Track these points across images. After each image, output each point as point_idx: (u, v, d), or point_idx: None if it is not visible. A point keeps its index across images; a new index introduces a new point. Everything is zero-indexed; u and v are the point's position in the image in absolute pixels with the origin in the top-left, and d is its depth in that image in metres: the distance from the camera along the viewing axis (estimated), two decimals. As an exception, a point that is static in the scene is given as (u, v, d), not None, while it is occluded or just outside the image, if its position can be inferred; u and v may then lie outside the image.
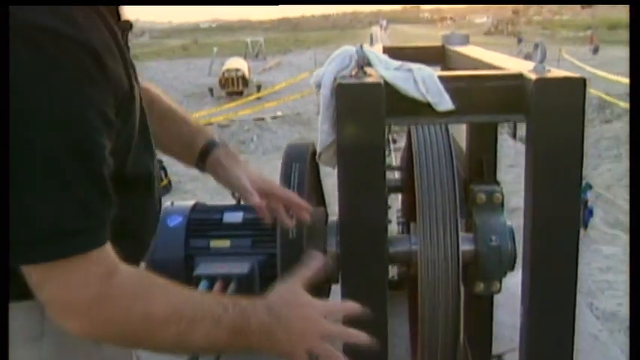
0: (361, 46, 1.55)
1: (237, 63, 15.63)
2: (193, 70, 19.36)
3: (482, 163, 2.47)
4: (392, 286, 2.43)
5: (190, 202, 3.29)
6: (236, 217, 3.15)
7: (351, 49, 1.55)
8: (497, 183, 2.35)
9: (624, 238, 4.80)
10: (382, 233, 1.54)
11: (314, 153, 2.40)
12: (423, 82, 1.48)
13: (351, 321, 1.25)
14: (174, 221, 3.22)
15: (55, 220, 0.97)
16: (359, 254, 1.55)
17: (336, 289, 2.53)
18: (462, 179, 2.42)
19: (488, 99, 1.49)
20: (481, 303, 2.54)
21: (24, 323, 1.09)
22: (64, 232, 0.98)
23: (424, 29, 73.13)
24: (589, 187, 5.05)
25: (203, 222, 3.09)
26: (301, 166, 2.16)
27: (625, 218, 5.31)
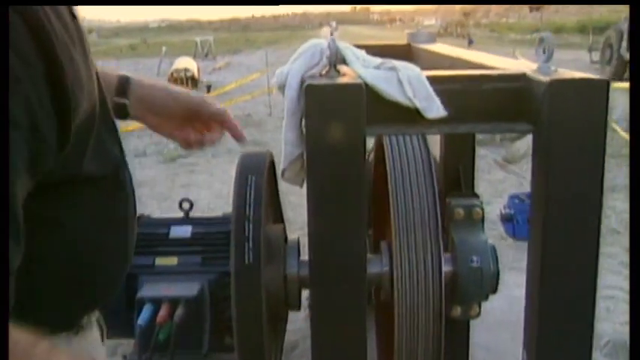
0: (334, 40, 1.29)
1: (187, 63, 15.26)
2: (142, 70, 18.86)
3: (458, 173, 2.24)
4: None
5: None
6: (184, 231, 2.88)
7: (322, 43, 1.29)
8: (477, 196, 2.12)
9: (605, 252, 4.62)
10: (360, 269, 1.28)
11: (272, 163, 2.14)
12: (410, 84, 1.23)
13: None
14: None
15: None
16: (334, 291, 1.29)
17: (293, 316, 2.27)
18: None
19: (487, 104, 1.24)
20: (457, 327, 2.31)
21: None
22: None
23: (374, 30, 73.45)
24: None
25: (147, 237, 2.81)
26: (258, 179, 1.88)
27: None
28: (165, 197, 6.46)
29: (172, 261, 2.74)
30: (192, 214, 2.98)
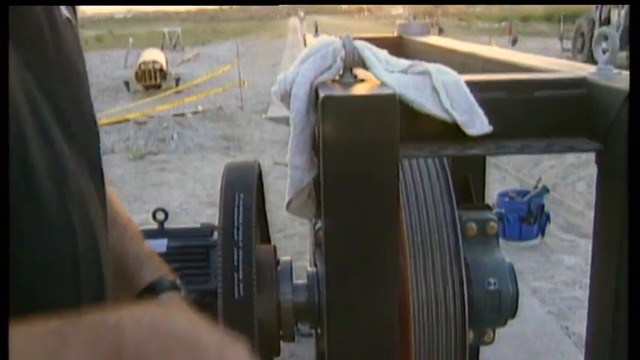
0: (350, 38, 1.04)
1: (155, 55, 14.84)
2: (108, 62, 18.42)
3: (468, 182, 2.01)
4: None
5: (102, 227, 2.73)
6: (159, 245, 2.61)
7: (334, 43, 1.04)
8: (490, 208, 1.89)
9: (582, 244, 4.45)
10: (392, 324, 1.04)
11: (260, 175, 1.88)
12: (446, 92, 0.99)
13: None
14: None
15: None
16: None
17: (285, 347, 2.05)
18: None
19: (540, 117, 1.01)
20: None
21: None
22: None
23: (342, 20, 73.17)
24: (546, 190, 4.68)
25: (118, 252, 2.55)
26: (247, 197, 1.62)
27: (576, 220, 4.98)
28: (136, 198, 6.16)
29: (147, 279, 2.47)
30: (167, 224, 2.71)
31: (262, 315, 1.62)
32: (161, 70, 13.95)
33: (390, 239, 0.96)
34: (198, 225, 2.77)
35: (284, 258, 1.89)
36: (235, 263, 1.56)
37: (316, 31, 2.75)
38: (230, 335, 0.63)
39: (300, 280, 1.77)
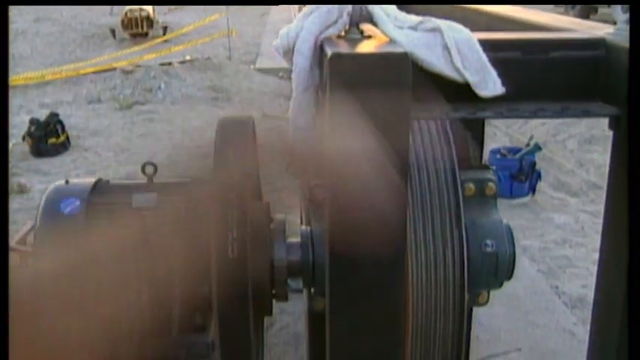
0: (355, 4, 0.98)
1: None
2: (94, 8, 18.05)
3: (466, 140, 1.97)
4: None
5: (90, 180, 2.67)
6: (148, 199, 2.57)
7: (340, -4, 0.99)
8: (488, 168, 1.86)
9: (572, 203, 4.45)
10: (397, 296, 1.00)
11: (254, 131, 1.83)
12: (458, 51, 0.94)
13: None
14: (70, 205, 2.59)
15: None
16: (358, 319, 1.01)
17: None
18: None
19: (555, 79, 0.96)
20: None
21: None
22: None
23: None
24: (538, 148, 4.65)
25: (107, 206, 2.49)
26: (241, 154, 1.58)
27: (567, 179, 4.97)
28: (123, 149, 6.08)
29: (136, 234, 2.42)
30: (156, 178, 2.65)
31: (255, 274, 1.59)
32: (148, 17, 13.69)
33: (400, 200, 0.93)
34: (188, 180, 2.73)
35: (278, 216, 1.85)
36: (229, 222, 1.52)
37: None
38: None
39: (293, 239, 1.74)
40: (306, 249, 1.65)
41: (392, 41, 0.93)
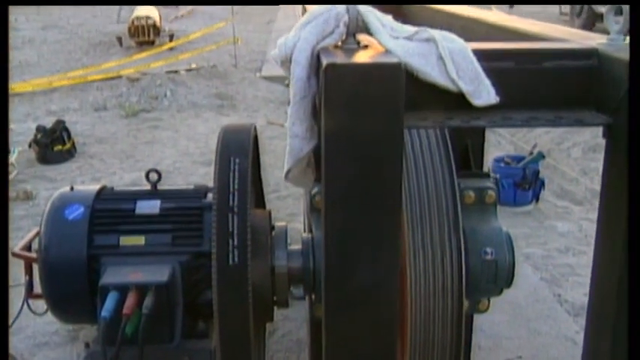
0: (353, 4, 1.00)
1: (148, 10, 14.60)
2: (100, 16, 18.10)
3: (467, 149, 1.98)
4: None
5: (95, 187, 2.68)
6: (152, 206, 2.57)
7: (337, 7, 1.00)
8: (489, 176, 1.87)
9: (576, 211, 4.45)
10: (393, 291, 1.01)
11: (256, 139, 1.85)
12: (452, 61, 0.96)
13: None
14: (75, 212, 2.60)
15: None
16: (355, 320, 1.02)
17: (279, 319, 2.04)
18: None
19: (547, 88, 0.98)
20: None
21: None
22: None
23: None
24: (541, 156, 4.66)
25: (111, 213, 2.50)
26: (242, 161, 1.60)
27: (571, 187, 4.97)
28: (128, 155, 6.10)
29: (139, 240, 2.44)
30: (160, 184, 2.67)
31: (257, 281, 1.61)
32: (154, 26, 13.74)
33: (393, 209, 0.94)
34: (191, 186, 2.74)
35: (279, 223, 1.87)
36: (230, 229, 1.54)
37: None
38: None
39: (294, 246, 1.75)
40: (307, 256, 1.66)
41: (387, 51, 0.95)
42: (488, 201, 1.82)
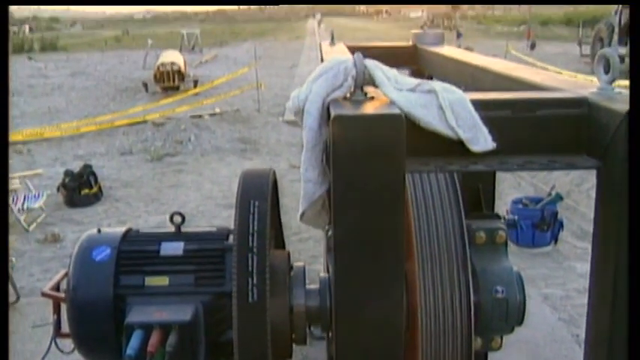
0: (360, 57, 1.09)
1: (173, 56, 14.93)
2: (127, 62, 18.55)
3: (478, 192, 2.05)
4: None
5: (121, 229, 2.78)
6: (176, 248, 2.66)
7: (347, 61, 1.09)
8: (499, 217, 1.94)
9: (595, 252, 4.45)
10: (398, 328, 1.08)
11: (275, 183, 1.93)
12: (452, 110, 1.04)
13: None
14: (101, 253, 2.69)
15: None
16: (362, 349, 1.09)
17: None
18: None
19: (542, 135, 1.05)
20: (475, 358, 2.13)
21: None
22: None
23: (361, 22, 73.06)
24: (559, 197, 4.70)
25: (136, 254, 2.58)
26: (261, 204, 1.68)
27: (590, 228, 4.97)
28: (153, 199, 6.22)
29: (163, 281, 2.52)
30: (183, 226, 2.75)
31: (275, 318, 1.67)
32: (179, 71, 14.03)
33: (396, 248, 1.01)
34: (214, 228, 2.83)
35: (297, 263, 1.95)
36: (250, 269, 1.61)
37: (332, 39, 2.79)
38: None
39: (312, 285, 1.82)
40: (324, 295, 1.73)
41: (391, 102, 1.03)
42: (499, 241, 1.87)
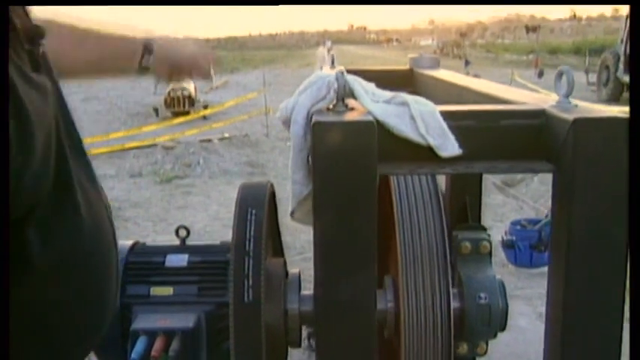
0: (342, 73, 1.21)
1: (183, 82, 15.18)
2: (138, 88, 18.79)
3: (464, 204, 2.17)
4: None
5: (128, 242, 2.91)
6: (180, 260, 2.79)
7: (329, 76, 1.22)
8: (484, 229, 2.05)
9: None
10: (369, 315, 1.20)
11: (273, 194, 2.06)
12: (423, 120, 1.16)
13: None
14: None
15: None
16: (340, 328, 1.20)
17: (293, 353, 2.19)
18: (443, 224, 2.09)
19: (504, 142, 1.17)
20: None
21: None
22: None
23: (370, 50, 73.56)
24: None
25: (142, 265, 2.72)
26: (258, 212, 1.80)
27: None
28: (161, 219, 6.37)
29: (168, 291, 2.64)
30: (188, 241, 2.89)
31: (270, 320, 1.79)
32: (190, 97, 14.24)
33: (368, 248, 1.13)
34: (217, 242, 2.95)
35: (293, 270, 2.06)
36: (245, 270, 1.73)
37: (332, 63, 2.92)
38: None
39: (307, 292, 1.93)
40: (317, 300, 1.84)
41: (368, 112, 1.16)
42: (483, 251, 1.98)
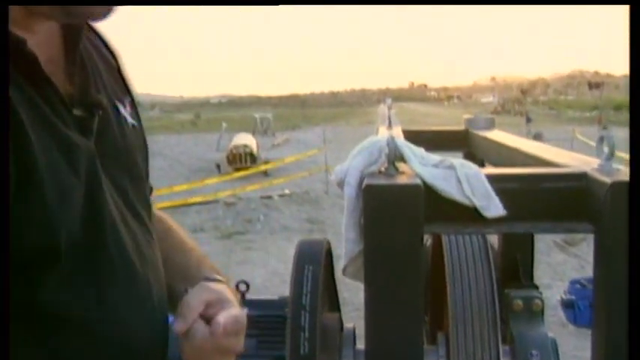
0: (392, 138, 1.30)
1: (246, 139, 15.49)
2: (201, 144, 19.29)
3: (516, 262, 2.21)
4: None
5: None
6: (240, 314, 2.89)
7: (381, 141, 1.31)
8: (536, 287, 2.09)
9: None
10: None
11: (329, 251, 2.14)
12: (468, 183, 1.23)
13: None
14: (169, 320, 2.94)
15: None
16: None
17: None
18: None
19: (546, 204, 1.23)
20: None
21: None
22: None
23: (430, 108, 73.73)
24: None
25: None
26: (315, 268, 1.88)
27: None
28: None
29: (228, 344, 2.72)
30: (248, 295, 2.98)
31: (325, 373, 1.85)
32: (251, 154, 14.53)
33: (415, 304, 1.19)
34: (275, 297, 3.04)
35: (348, 325, 2.12)
36: (302, 324, 1.81)
37: (389, 123, 3.01)
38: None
39: (362, 346, 1.99)
40: (371, 354, 1.90)
41: (416, 175, 1.24)
42: (535, 309, 2.02)
